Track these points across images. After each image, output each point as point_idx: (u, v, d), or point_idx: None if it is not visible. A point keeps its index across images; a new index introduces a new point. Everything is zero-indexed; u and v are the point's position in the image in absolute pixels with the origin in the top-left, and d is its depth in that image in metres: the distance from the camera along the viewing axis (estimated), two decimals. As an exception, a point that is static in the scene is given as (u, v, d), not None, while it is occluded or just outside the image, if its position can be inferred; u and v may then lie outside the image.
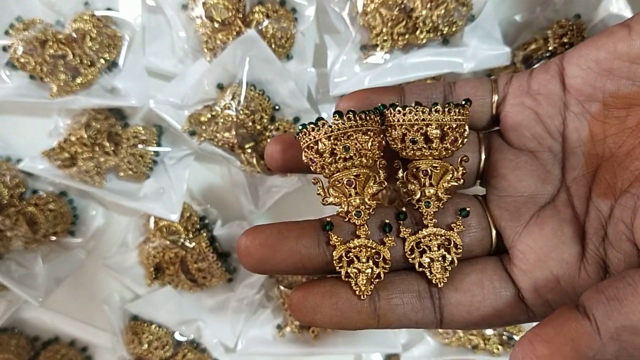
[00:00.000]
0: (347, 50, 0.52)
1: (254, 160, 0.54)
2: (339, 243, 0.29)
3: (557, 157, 0.30)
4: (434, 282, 0.29)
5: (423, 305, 0.29)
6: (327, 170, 0.29)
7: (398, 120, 0.29)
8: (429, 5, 0.50)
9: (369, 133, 0.29)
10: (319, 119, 0.28)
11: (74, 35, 0.53)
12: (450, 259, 0.29)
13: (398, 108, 0.29)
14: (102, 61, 0.54)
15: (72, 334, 0.63)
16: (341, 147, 0.28)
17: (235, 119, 0.52)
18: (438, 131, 0.29)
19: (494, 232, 0.31)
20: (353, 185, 0.29)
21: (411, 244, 0.30)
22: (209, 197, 0.60)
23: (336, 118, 0.28)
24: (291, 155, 0.31)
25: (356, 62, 0.53)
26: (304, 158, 0.29)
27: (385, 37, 0.51)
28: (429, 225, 0.30)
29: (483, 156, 0.32)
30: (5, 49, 0.55)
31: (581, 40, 0.52)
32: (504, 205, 0.30)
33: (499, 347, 0.55)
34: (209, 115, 0.54)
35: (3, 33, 0.56)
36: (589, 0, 0.53)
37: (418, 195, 0.30)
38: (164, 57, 0.56)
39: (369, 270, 0.28)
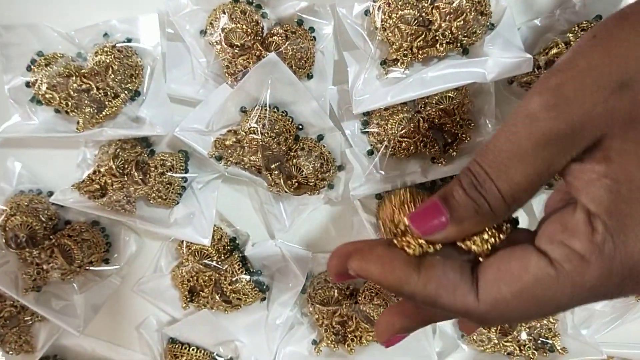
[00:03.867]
0: (368, 67, 0.52)
1: (281, 181, 0.55)
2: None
3: None
4: (476, 252, 0.29)
5: (462, 271, 0.29)
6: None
7: None
8: (447, 18, 0.50)
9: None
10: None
11: (97, 68, 0.54)
12: (493, 240, 0.29)
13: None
14: (126, 92, 0.55)
15: (111, 359, 0.64)
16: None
17: (260, 142, 0.52)
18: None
19: None
20: None
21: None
22: (238, 218, 0.60)
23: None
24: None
25: (377, 78, 0.53)
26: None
27: (405, 52, 0.51)
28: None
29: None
30: (28, 84, 0.56)
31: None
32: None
33: (534, 352, 0.55)
34: (234, 139, 0.54)
35: (25, 69, 0.57)
36: (608, 0, 0.52)
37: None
38: (185, 83, 0.56)
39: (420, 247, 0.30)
